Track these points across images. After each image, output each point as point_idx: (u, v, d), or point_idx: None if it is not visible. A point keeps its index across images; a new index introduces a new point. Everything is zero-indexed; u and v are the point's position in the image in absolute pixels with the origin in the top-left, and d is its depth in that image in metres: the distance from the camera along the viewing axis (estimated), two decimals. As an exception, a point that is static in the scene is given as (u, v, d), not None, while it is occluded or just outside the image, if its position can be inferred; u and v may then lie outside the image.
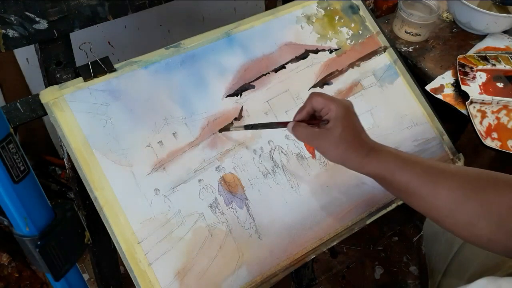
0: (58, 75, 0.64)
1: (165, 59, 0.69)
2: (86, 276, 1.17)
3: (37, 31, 0.58)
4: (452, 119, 0.85)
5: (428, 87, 0.86)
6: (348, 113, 0.56)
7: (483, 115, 0.82)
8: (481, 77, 0.87)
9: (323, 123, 0.57)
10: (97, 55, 0.65)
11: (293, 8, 0.79)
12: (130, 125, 0.64)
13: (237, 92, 0.71)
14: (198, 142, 0.66)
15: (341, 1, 0.82)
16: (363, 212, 0.71)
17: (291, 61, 0.75)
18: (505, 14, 0.94)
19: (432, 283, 0.82)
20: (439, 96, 0.85)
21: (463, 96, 0.84)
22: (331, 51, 0.78)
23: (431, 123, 0.79)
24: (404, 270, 1.24)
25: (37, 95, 0.62)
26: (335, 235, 0.69)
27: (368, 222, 0.71)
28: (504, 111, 0.83)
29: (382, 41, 0.82)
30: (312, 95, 0.58)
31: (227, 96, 0.70)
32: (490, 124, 0.81)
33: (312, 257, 0.67)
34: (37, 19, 0.57)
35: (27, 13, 0.56)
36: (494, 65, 0.90)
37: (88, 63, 0.64)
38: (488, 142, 0.79)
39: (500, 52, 0.94)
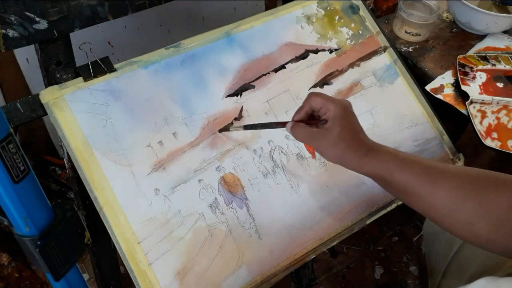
0: (58, 75, 0.64)
1: (165, 59, 0.69)
2: (86, 276, 1.17)
3: (37, 31, 0.58)
4: (452, 119, 0.85)
5: (428, 87, 0.86)
6: (347, 113, 0.56)
7: (483, 115, 0.82)
8: (481, 77, 0.87)
9: (321, 123, 0.57)
10: (97, 55, 0.65)
11: (293, 8, 0.79)
12: (130, 125, 0.64)
13: (237, 92, 0.71)
14: (198, 142, 0.67)
15: (341, 1, 0.82)
16: (363, 212, 0.71)
17: (291, 61, 0.75)
18: (505, 14, 0.94)
19: (432, 283, 0.82)
20: (439, 96, 0.85)
21: (463, 96, 0.84)
22: (331, 51, 0.78)
23: (431, 123, 0.79)
24: (404, 270, 1.24)
25: (37, 95, 0.62)
26: (335, 235, 0.69)
27: (368, 222, 0.71)
28: (504, 111, 0.83)
29: (382, 41, 0.82)
30: (311, 95, 0.58)
31: (227, 96, 0.70)
32: (490, 124, 0.81)
33: (312, 257, 0.67)
34: (37, 19, 0.57)
35: (27, 13, 0.56)
36: (494, 65, 0.90)
37: (88, 63, 0.64)
38: (488, 142, 0.79)
39: (500, 52, 0.94)
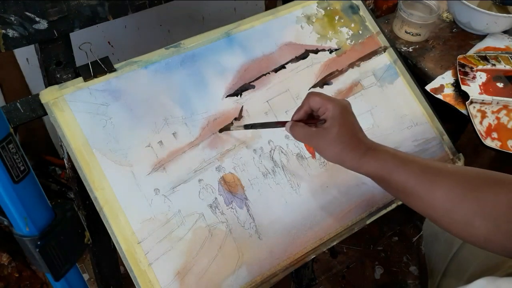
0: (58, 75, 0.64)
1: (165, 59, 0.69)
2: (86, 276, 1.17)
3: (37, 31, 0.58)
4: (452, 119, 0.85)
5: (428, 87, 0.86)
6: (345, 113, 0.56)
7: (483, 115, 0.82)
8: (481, 77, 0.87)
9: (320, 123, 0.57)
10: (97, 55, 0.65)
11: (293, 8, 0.79)
12: (130, 125, 0.64)
13: (237, 92, 0.71)
14: (198, 142, 0.67)
15: (341, 1, 0.82)
16: (363, 212, 0.71)
17: (291, 61, 0.76)
18: (505, 14, 0.94)
19: (431, 283, 0.82)
20: (439, 96, 0.85)
21: (463, 96, 0.84)
22: (331, 51, 0.78)
23: (431, 123, 0.79)
24: (404, 270, 1.24)
25: (37, 95, 0.62)
26: (335, 235, 0.69)
27: (368, 222, 0.71)
28: (504, 111, 0.83)
29: (382, 41, 0.82)
30: (310, 94, 0.58)
31: (227, 96, 0.70)
32: (490, 124, 0.81)
33: (312, 257, 0.67)
34: (37, 19, 0.57)
35: (27, 13, 0.56)
36: (494, 65, 0.90)
37: (88, 63, 0.64)
38: (488, 142, 0.79)
39: (500, 52, 0.94)
